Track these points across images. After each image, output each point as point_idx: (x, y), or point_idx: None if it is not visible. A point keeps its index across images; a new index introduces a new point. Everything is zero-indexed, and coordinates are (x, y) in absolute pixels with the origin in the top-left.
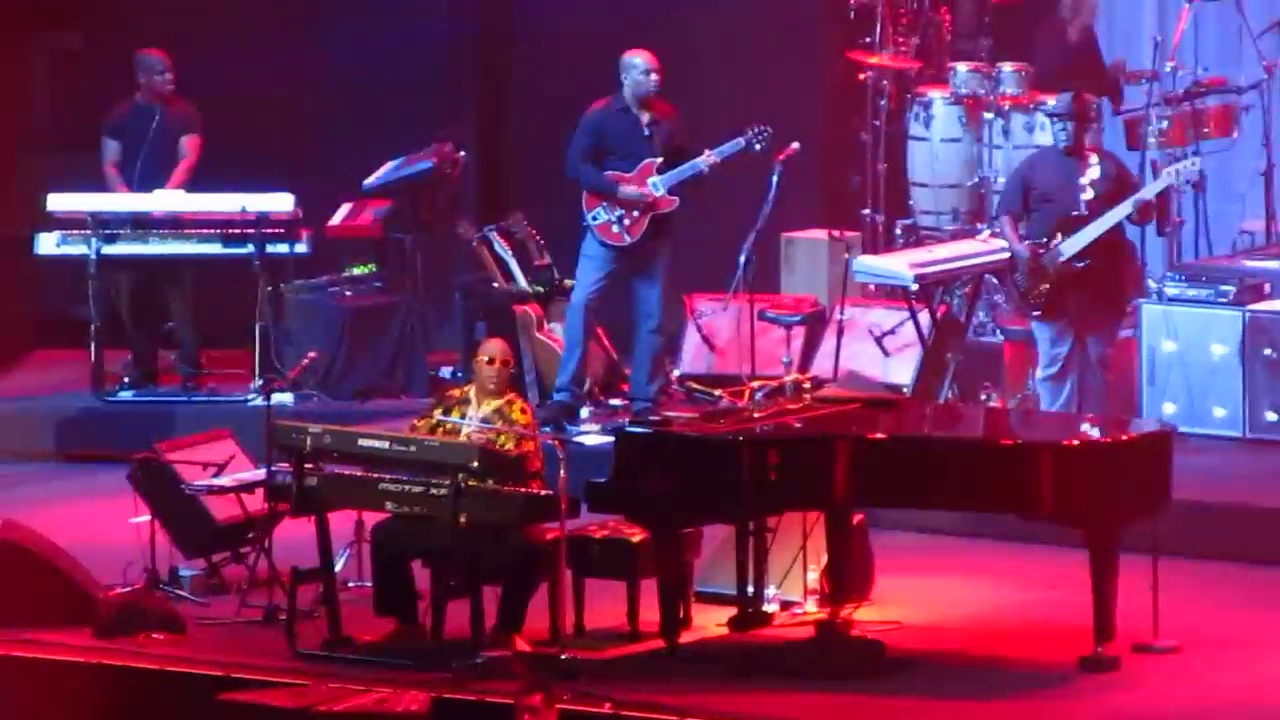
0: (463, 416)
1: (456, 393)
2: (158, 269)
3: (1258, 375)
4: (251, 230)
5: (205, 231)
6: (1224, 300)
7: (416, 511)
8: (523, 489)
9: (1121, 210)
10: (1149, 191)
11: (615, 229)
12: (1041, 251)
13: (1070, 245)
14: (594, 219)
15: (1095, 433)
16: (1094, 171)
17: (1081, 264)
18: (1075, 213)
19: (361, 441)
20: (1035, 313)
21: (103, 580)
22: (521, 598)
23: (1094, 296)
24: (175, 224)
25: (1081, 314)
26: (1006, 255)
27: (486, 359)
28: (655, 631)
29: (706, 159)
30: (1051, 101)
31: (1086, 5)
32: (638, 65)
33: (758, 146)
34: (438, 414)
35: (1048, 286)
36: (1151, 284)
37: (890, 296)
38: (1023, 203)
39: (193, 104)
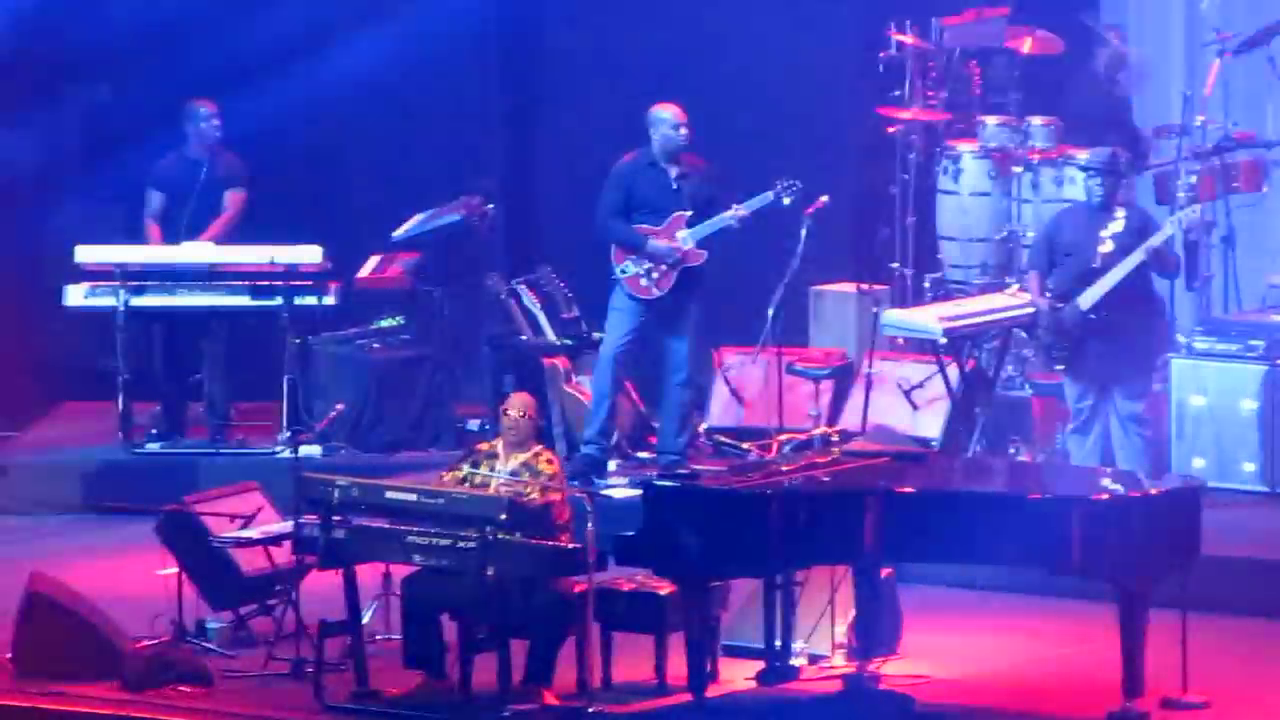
0: (491, 470)
1: (485, 446)
2: (186, 321)
3: None
4: (280, 282)
5: (234, 283)
6: (1253, 355)
7: (444, 564)
8: (550, 542)
9: (1129, 262)
10: (1151, 243)
11: (644, 282)
12: (1060, 305)
13: (1086, 298)
14: (623, 272)
15: (1124, 487)
16: (1117, 225)
17: (1094, 316)
18: (1093, 265)
19: (389, 494)
20: (1058, 367)
21: (130, 633)
22: (549, 651)
23: (1117, 351)
24: (204, 276)
25: (1105, 368)
26: (1034, 310)
27: (509, 411)
28: (683, 685)
29: (735, 213)
30: (1083, 156)
31: (1127, 67)
32: (666, 120)
33: (786, 200)
34: (466, 467)
35: (1068, 340)
36: (1181, 338)
37: (919, 350)
38: (1048, 258)
39: (240, 157)
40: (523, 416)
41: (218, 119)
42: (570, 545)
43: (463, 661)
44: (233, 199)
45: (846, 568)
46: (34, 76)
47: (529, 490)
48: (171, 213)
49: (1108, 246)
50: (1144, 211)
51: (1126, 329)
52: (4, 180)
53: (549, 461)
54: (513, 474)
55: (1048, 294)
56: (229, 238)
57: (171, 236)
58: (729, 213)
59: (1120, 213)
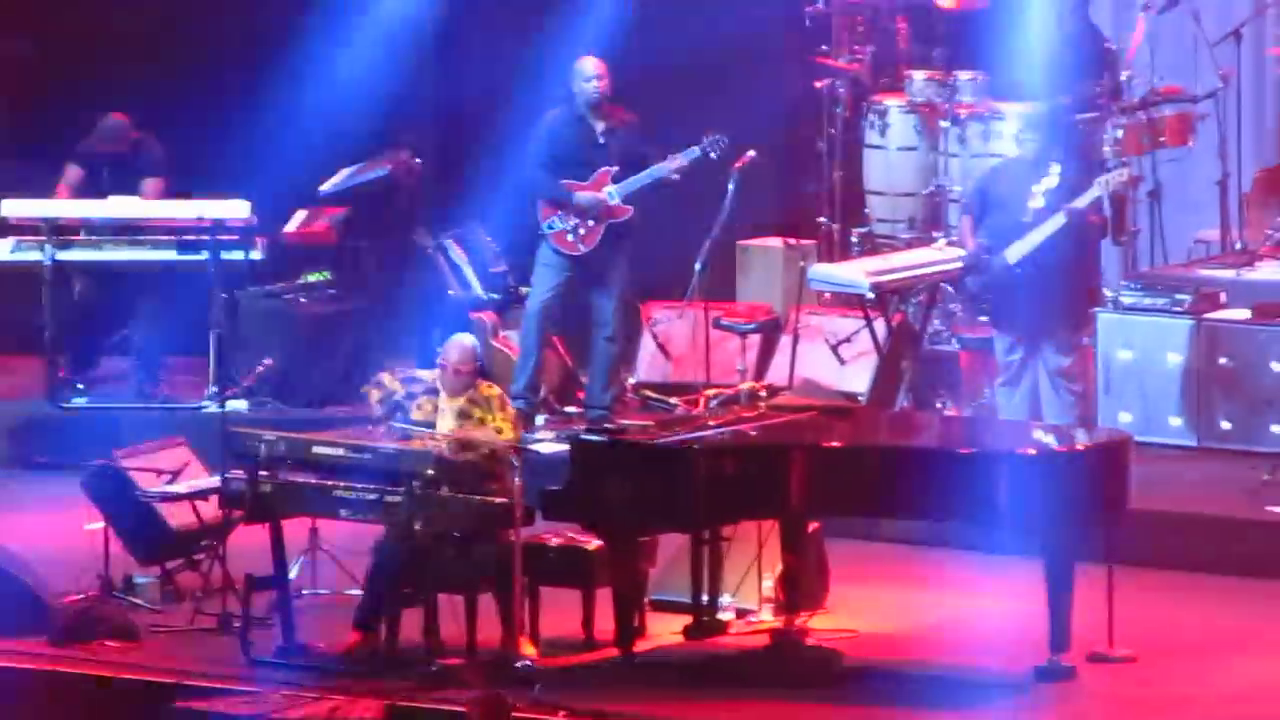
0: (435, 409)
1: (426, 375)
2: (112, 275)
3: (1213, 384)
4: (207, 237)
5: (161, 238)
6: (1179, 309)
7: (371, 519)
8: (478, 496)
9: (1055, 221)
10: (1078, 203)
11: (570, 238)
12: (987, 256)
13: (1013, 252)
14: (549, 227)
15: (1051, 441)
16: (1050, 181)
17: (1020, 270)
18: (1023, 220)
19: (316, 448)
20: (983, 318)
21: (57, 588)
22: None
23: (1046, 306)
24: (130, 230)
25: (1033, 323)
26: (961, 260)
27: (450, 361)
28: (610, 640)
29: (667, 165)
30: (1010, 109)
31: None
32: (581, 72)
33: (713, 154)
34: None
35: (994, 292)
36: (1108, 293)
37: (846, 305)
38: (981, 208)
39: (159, 145)
40: (460, 374)
41: (129, 129)
42: (497, 500)
43: (390, 618)
44: (151, 187)
45: (774, 522)
46: None
47: (491, 419)
48: (86, 192)
49: (1038, 202)
50: (1080, 168)
51: (1055, 284)
52: None
53: (489, 385)
54: (461, 412)
55: (979, 242)
56: None
57: None
58: (659, 165)
59: (1054, 169)
